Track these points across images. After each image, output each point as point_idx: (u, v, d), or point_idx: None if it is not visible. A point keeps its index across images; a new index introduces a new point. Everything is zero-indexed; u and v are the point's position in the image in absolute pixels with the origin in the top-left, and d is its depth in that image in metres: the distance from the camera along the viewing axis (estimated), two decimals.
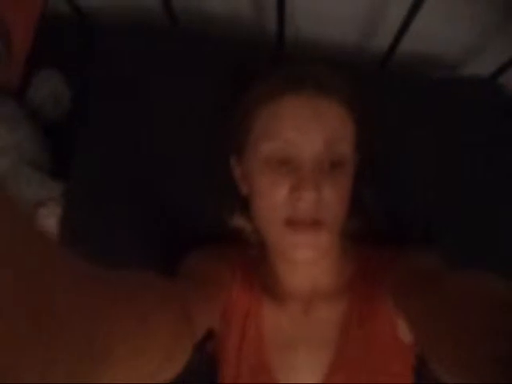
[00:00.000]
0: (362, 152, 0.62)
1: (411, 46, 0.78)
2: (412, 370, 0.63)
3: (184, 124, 0.75)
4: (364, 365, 0.59)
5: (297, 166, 0.52)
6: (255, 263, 0.69)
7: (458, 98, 0.75)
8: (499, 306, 0.38)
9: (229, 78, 0.69)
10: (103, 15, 0.84)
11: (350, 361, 0.60)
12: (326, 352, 0.61)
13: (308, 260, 0.56)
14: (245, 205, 0.64)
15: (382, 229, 0.70)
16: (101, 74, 0.77)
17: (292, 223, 0.53)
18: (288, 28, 0.76)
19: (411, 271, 0.57)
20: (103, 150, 0.76)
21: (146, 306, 0.40)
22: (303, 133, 0.52)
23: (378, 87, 0.72)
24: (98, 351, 0.29)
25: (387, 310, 0.58)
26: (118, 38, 0.78)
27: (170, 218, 0.76)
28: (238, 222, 0.69)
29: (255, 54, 0.74)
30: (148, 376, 0.36)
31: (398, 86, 0.75)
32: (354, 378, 0.59)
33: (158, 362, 0.38)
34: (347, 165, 0.56)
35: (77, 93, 0.81)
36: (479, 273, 0.43)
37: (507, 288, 0.39)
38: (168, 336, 0.41)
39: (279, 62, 0.65)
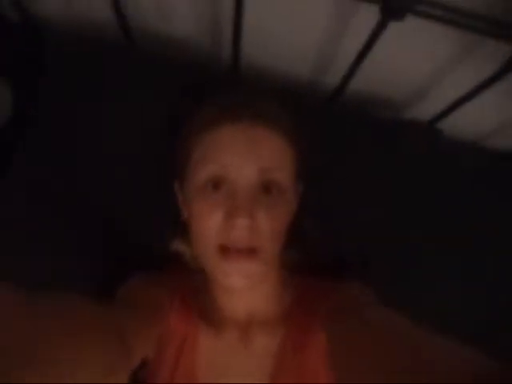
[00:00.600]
0: (305, 182, 0.63)
1: (361, 84, 0.82)
2: None
3: (132, 143, 0.75)
4: None
5: (232, 192, 0.53)
6: (195, 289, 0.68)
7: (399, 140, 0.79)
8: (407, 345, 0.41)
9: (178, 101, 0.70)
10: (57, 25, 0.82)
11: None
12: (261, 381, 0.61)
13: (242, 288, 0.57)
14: (185, 230, 0.64)
15: (322, 260, 0.71)
16: (47, 85, 0.75)
17: (225, 251, 0.53)
18: (244, 58, 0.78)
19: (344, 302, 0.59)
20: (47, 162, 0.74)
21: (79, 336, 0.39)
22: (239, 160, 0.53)
23: (324, 122, 0.75)
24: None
25: (320, 340, 0.59)
26: (70, 50, 0.76)
27: (111, 238, 0.74)
28: (179, 246, 0.69)
29: (209, 80, 0.74)
30: None
31: (344, 123, 0.79)
32: None
33: None
34: (285, 193, 0.56)
35: (21, 101, 0.78)
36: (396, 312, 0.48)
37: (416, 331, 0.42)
38: (100, 367, 0.40)
39: (230, 89, 0.66)
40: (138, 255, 0.72)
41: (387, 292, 0.56)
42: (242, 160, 0.53)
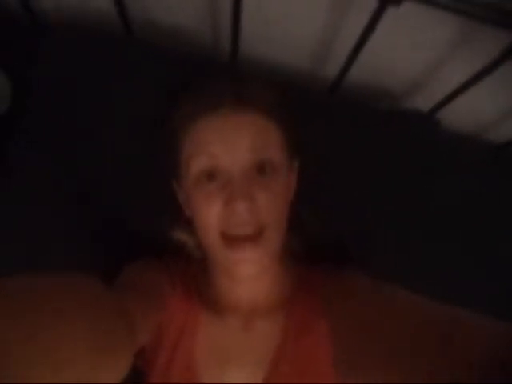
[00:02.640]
0: (300, 158, 0.64)
1: (361, 75, 0.82)
2: None
3: (131, 132, 0.74)
4: (296, 381, 0.59)
5: (227, 180, 0.53)
6: (196, 277, 0.68)
7: (398, 130, 0.79)
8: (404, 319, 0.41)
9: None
10: (56, 17, 0.82)
11: (282, 377, 0.60)
12: (260, 369, 0.61)
13: (252, 275, 0.56)
14: (187, 220, 0.64)
15: (319, 247, 0.71)
16: (45, 76, 0.75)
17: (230, 239, 0.53)
18: (242, 47, 0.78)
19: (342, 288, 0.60)
20: (43, 154, 0.74)
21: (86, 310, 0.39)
22: (227, 147, 0.53)
23: (325, 113, 0.75)
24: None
25: (321, 326, 0.59)
26: (66, 40, 0.76)
27: (110, 226, 0.74)
28: (181, 236, 0.69)
29: (207, 70, 0.75)
30: None
31: (344, 114, 0.79)
32: None
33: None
34: (279, 170, 0.56)
35: (19, 92, 0.78)
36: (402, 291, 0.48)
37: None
38: (103, 343, 0.40)
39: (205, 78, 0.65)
40: (138, 244, 0.71)
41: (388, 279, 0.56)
42: (230, 146, 0.53)
